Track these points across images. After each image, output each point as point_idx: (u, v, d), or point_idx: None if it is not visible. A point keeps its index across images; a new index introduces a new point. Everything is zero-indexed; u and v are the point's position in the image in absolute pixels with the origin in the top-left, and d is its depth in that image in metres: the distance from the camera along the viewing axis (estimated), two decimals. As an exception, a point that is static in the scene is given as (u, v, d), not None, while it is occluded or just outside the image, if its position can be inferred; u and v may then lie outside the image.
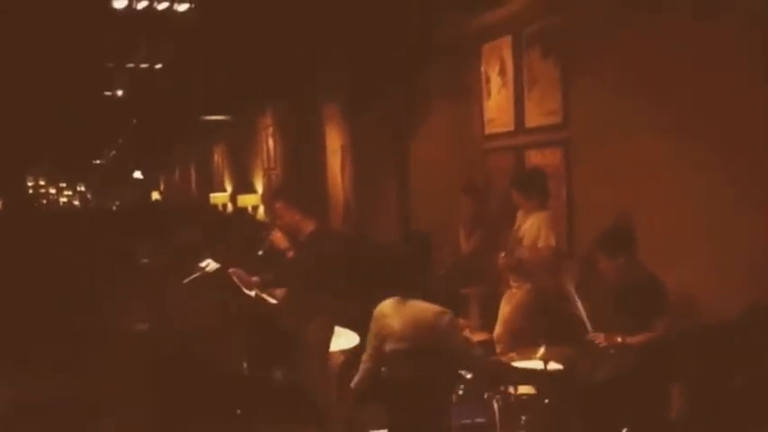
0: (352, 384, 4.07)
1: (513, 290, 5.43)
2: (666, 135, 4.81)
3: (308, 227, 5.13)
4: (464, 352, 3.89)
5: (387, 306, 3.92)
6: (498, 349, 5.28)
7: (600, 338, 4.27)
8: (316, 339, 4.90)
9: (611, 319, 4.47)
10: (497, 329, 5.42)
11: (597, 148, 5.54)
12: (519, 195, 5.45)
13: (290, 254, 5.21)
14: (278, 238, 5.25)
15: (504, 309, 5.45)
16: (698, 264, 4.56)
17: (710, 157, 4.48)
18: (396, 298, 3.89)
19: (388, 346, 3.84)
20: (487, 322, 5.56)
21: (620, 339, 4.20)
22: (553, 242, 5.19)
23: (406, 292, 3.85)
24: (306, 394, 4.93)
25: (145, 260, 10.79)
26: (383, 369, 3.96)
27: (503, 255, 5.45)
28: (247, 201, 16.91)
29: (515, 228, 5.47)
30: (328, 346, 4.97)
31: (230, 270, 5.31)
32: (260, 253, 5.35)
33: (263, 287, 5.31)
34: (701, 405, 4.09)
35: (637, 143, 5.09)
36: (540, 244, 5.21)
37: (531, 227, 5.30)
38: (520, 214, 5.51)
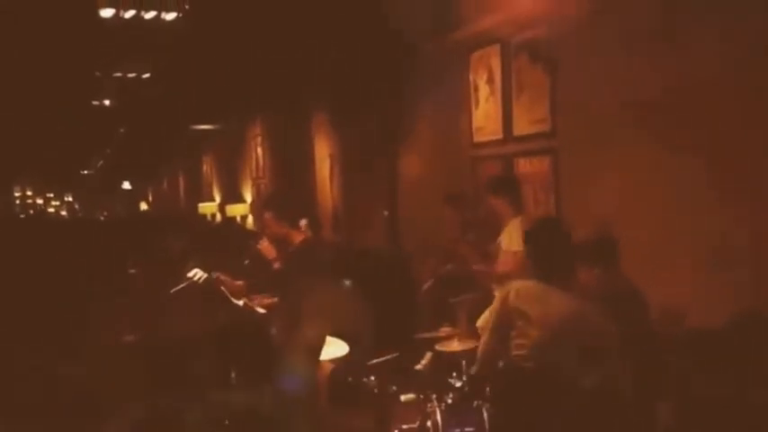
0: (473, 371, 3.71)
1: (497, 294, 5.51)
2: (654, 144, 4.83)
3: (297, 238, 5.11)
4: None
5: (526, 288, 3.55)
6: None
7: None
8: (305, 347, 4.86)
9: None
10: (481, 321, 5.48)
11: (585, 157, 5.55)
12: (496, 200, 5.49)
13: (276, 265, 5.19)
14: (265, 247, 5.23)
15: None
16: (684, 272, 4.57)
17: (698, 167, 4.49)
18: (536, 282, 3.53)
19: (530, 331, 3.45)
20: (476, 331, 5.55)
21: None
22: (520, 247, 5.21)
23: (548, 276, 3.50)
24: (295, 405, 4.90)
25: (132, 270, 10.71)
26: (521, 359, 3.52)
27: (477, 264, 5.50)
28: (236, 210, 16.86)
29: (500, 236, 5.52)
30: (318, 355, 4.94)
31: (215, 274, 5.30)
32: (246, 262, 5.34)
33: (248, 291, 5.29)
34: (688, 412, 4.09)
35: (625, 152, 5.10)
36: (512, 249, 5.26)
37: (506, 235, 5.36)
38: (504, 222, 5.55)
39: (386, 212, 9.09)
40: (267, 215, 5.29)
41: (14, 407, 5.91)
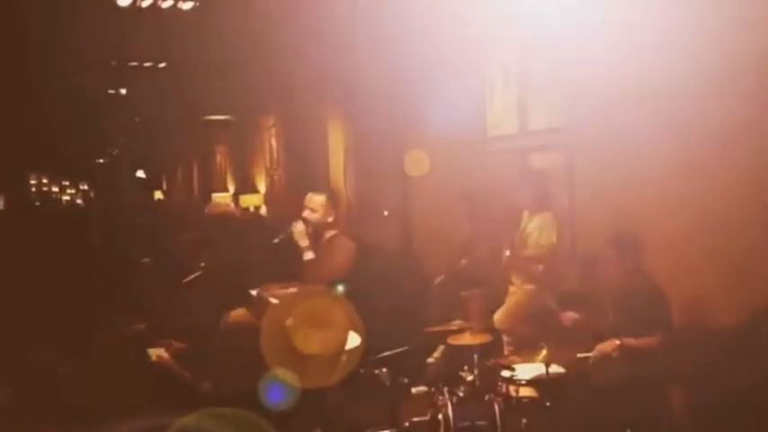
0: None
1: (515, 288, 5.50)
2: (671, 141, 4.79)
3: (330, 232, 5.03)
4: None
5: None
6: (502, 328, 5.36)
7: (599, 347, 4.25)
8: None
9: (612, 322, 4.46)
10: (498, 315, 5.49)
11: (600, 152, 5.52)
12: (526, 195, 5.48)
13: (310, 255, 4.99)
14: (300, 231, 4.98)
15: (509, 301, 5.53)
16: (698, 269, 4.54)
17: (719, 161, 4.45)
18: None
19: None
20: (488, 324, 5.55)
21: (618, 342, 4.19)
22: (554, 239, 5.25)
23: None
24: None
25: (146, 259, 10.74)
26: None
27: (507, 254, 5.47)
28: (250, 201, 16.88)
29: (521, 228, 5.51)
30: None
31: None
32: (275, 241, 5.10)
33: None
34: (703, 410, 4.07)
35: (641, 148, 5.06)
36: (543, 242, 5.27)
37: (536, 227, 5.35)
38: (525, 215, 5.54)
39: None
40: (320, 198, 5.06)
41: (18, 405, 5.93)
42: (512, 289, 5.58)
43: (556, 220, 5.40)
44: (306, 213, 5.02)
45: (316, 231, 4.99)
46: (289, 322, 2.39)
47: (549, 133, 6.15)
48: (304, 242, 4.94)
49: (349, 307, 2.72)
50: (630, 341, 4.16)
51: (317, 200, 5.02)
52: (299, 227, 4.96)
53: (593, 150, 5.59)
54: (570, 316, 4.54)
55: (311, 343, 3.12)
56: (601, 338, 4.33)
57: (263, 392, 3.59)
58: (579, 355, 4.26)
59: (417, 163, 8.75)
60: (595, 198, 5.58)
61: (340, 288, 5.30)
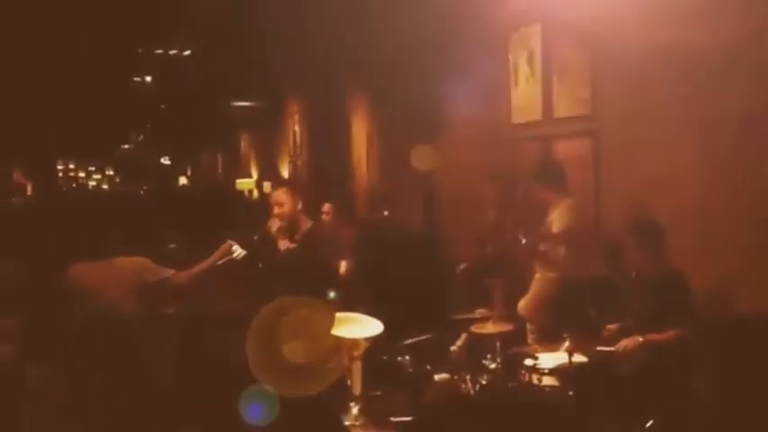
0: None
1: (539, 276, 5.50)
2: (699, 127, 4.74)
3: (305, 224, 5.09)
4: None
5: None
6: (525, 317, 5.38)
7: (622, 344, 4.24)
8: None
9: (635, 310, 4.45)
10: (522, 303, 5.50)
11: (627, 139, 5.47)
12: (542, 188, 5.48)
13: (284, 246, 5.07)
14: (278, 229, 5.08)
15: (533, 289, 5.53)
16: (729, 258, 4.50)
17: (745, 151, 4.40)
18: None
19: None
20: (511, 313, 5.55)
21: (641, 339, 4.18)
22: (575, 226, 5.23)
23: None
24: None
25: (172, 245, 10.83)
26: None
27: (523, 241, 5.46)
28: (273, 187, 16.96)
29: (549, 219, 5.50)
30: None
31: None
32: (255, 238, 5.21)
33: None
34: (727, 397, 4.06)
35: (668, 135, 5.02)
36: (564, 229, 5.26)
37: (559, 214, 5.34)
38: (551, 203, 5.53)
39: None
40: (282, 190, 5.15)
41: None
42: (537, 277, 5.58)
43: (578, 207, 5.38)
44: (276, 210, 5.11)
45: (290, 225, 5.05)
46: (276, 332, 2.39)
47: (574, 120, 6.11)
48: (281, 238, 5.06)
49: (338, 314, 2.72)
50: (654, 337, 4.14)
51: (280, 193, 5.12)
52: (274, 224, 5.05)
53: (619, 137, 5.55)
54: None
55: (299, 353, 3.11)
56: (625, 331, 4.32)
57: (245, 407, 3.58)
58: (601, 348, 4.26)
59: (440, 150, 8.74)
60: (620, 185, 5.55)
61: (331, 295, 5.32)
